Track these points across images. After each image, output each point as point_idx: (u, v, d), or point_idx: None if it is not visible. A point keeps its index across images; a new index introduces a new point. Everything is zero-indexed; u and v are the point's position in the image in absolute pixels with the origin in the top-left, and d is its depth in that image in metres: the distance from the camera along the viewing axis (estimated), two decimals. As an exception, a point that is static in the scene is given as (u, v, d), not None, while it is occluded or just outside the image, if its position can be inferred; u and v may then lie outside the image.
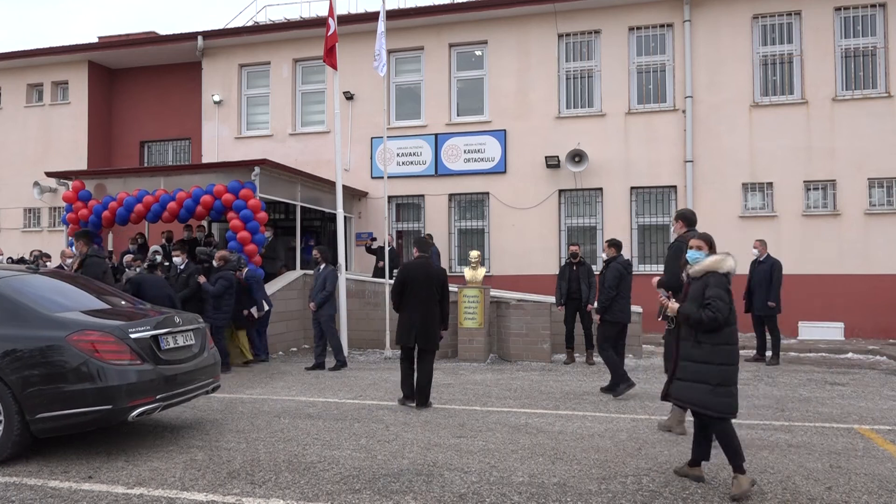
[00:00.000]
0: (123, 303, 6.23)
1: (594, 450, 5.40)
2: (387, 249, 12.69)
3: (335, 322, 10.43)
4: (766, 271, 10.81)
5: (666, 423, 6.35)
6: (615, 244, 8.67)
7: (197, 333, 6.10)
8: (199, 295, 9.98)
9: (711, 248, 4.72)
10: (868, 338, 13.21)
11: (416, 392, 7.23)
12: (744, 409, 6.91)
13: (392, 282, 12.30)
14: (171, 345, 5.65)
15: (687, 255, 4.74)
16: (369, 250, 14.67)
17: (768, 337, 10.81)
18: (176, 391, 5.56)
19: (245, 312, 10.35)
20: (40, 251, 11.01)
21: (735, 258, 4.55)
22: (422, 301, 7.23)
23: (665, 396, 4.68)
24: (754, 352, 11.06)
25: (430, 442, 5.64)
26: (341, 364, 10.19)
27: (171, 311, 6.17)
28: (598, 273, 9.23)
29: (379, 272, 13.56)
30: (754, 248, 11.22)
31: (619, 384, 7.87)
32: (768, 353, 10.82)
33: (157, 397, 5.33)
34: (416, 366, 7.30)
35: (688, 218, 6.55)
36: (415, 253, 7.69)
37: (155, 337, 5.47)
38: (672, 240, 6.63)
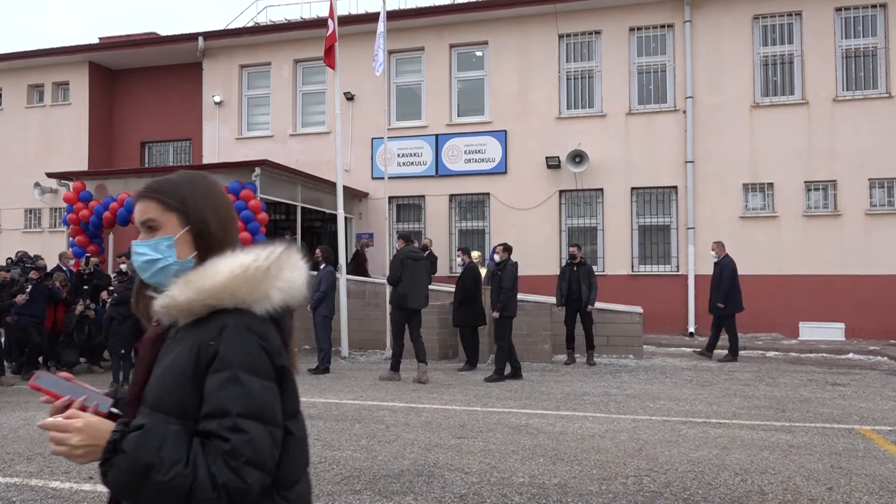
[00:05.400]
0: None
1: (595, 450, 5.39)
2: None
3: (331, 324, 10.16)
4: (718, 273, 10.90)
5: (417, 377, 8.48)
6: (509, 248, 9.78)
7: None
8: None
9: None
10: (869, 338, 13.18)
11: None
12: (744, 410, 6.93)
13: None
14: None
15: None
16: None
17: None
18: None
19: None
20: (27, 252, 10.73)
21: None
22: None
23: None
24: (726, 352, 11.00)
25: (431, 442, 5.63)
26: (324, 370, 9.76)
27: None
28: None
29: None
30: (712, 250, 11.31)
31: (519, 370, 9.18)
32: (722, 352, 10.91)
33: None
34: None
35: (406, 237, 9.06)
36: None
37: None
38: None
